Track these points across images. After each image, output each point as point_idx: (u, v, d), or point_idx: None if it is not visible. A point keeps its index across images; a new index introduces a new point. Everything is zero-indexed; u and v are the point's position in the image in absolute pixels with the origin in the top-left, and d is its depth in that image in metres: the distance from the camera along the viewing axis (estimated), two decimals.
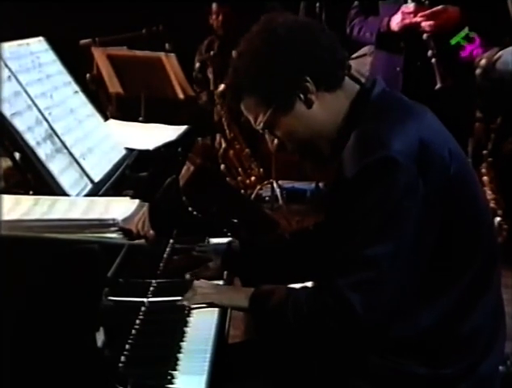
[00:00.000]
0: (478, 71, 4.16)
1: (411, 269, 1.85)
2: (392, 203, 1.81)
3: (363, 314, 1.81)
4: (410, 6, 3.56)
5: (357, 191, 1.84)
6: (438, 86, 3.53)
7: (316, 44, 1.94)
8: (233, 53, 2.04)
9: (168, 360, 1.80)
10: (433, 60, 3.54)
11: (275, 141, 2.06)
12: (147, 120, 5.04)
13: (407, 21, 3.55)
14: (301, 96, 1.94)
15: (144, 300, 2.05)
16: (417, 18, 3.53)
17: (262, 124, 1.99)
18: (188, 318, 2.00)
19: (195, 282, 2.12)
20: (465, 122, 3.65)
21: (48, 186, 2.01)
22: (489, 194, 4.69)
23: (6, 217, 1.74)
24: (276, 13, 2.02)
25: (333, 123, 1.97)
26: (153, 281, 2.16)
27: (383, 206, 1.81)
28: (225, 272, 2.32)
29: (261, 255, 2.32)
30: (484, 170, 4.69)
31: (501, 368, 2.05)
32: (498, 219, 4.68)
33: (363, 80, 2.05)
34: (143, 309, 2.01)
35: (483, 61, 4.12)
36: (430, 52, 3.54)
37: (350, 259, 1.84)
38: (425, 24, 3.52)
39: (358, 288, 1.81)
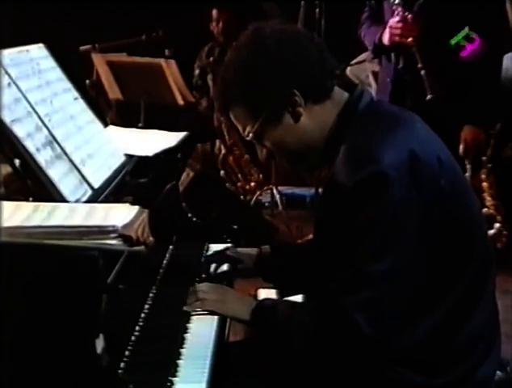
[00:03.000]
0: None
1: (411, 282, 1.85)
2: (387, 218, 1.81)
3: (370, 332, 1.81)
4: (395, 20, 3.60)
5: (351, 207, 1.83)
6: (429, 97, 3.56)
7: (304, 57, 1.93)
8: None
9: (168, 367, 1.80)
10: (422, 72, 3.57)
11: (264, 149, 2.06)
12: (147, 126, 5.04)
13: (394, 38, 3.62)
14: (289, 109, 1.94)
15: None
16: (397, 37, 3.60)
17: (250, 135, 1.99)
18: (188, 325, 2.00)
19: (197, 285, 2.12)
20: (456, 132, 3.67)
21: (47, 192, 2.01)
22: (489, 200, 4.70)
23: (6, 223, 1.73)
24: (264, 21, 2.00)
25: (321, 133, 1.97)
26: (153, 287, 2.17)
27: (379, 222, 1.81)
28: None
29: (291, 260, 2.30)
30: (483, 176, 4.69)
31: (500, 373, 2.06)
32: (498, 225, 4.69)
33: (359, 85, 2.04)
34: (143, 315, 2.01)
35: None
36: (419, 65, 3.58)
37: (351, 277, 1.83)
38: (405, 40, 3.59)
39: (361, 308, 1.81)
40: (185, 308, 2.04)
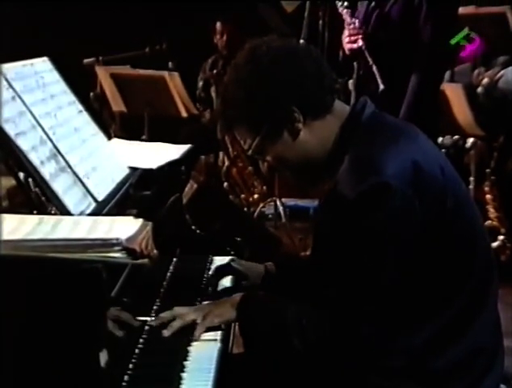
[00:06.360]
0: (480, 90, 4.19)
1: (412, 292, 1.87)
2: (390, 229, 1.83)
3: (370, 342, 1.85)
4: (345, 34, 3.89)
5: (353, 218, 1.85)
6: (381, 88, 3.76)
7: (301, 73, 1.95)
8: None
9: (171, 380, 1.80)
10: (373, 67, 3.80)
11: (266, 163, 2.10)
12: (150, 139, 5.06)
13: (349, 48, 3.91)
14: (288, 126, 1.96)
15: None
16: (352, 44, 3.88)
17: (250, 151, 2.02)
18: (191, 338, 2.00)
19: (176, 309, 2.04)
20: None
21: (52, 205, 2.01)
22: (492, 212, 4.70)
23: (11, 236, 1.74)
24: (261, 39, 2.02)
25: (323, 148, 1.98)
26: (157, 300, 2.17)
27: (382, 233, 1.83)
28: None
29: (295, 276, 2.29)
30: (487, 189, 4.70)
31: (503, 387, 2.05)
32: (501, 237, 4.69)
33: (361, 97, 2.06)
34: (146, 328, 2.01)
35: (485, 80, 4.15)
36: (370, 61, 3.82)
37: (356, 288, 1.85)
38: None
39: (370, 319, 1.84)
40: (196, 334, 1.99)
